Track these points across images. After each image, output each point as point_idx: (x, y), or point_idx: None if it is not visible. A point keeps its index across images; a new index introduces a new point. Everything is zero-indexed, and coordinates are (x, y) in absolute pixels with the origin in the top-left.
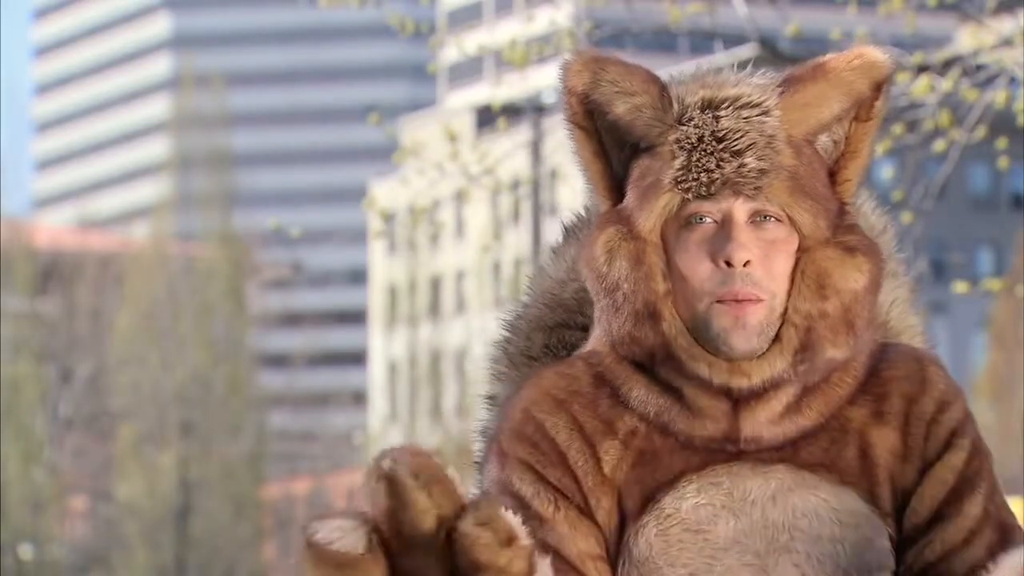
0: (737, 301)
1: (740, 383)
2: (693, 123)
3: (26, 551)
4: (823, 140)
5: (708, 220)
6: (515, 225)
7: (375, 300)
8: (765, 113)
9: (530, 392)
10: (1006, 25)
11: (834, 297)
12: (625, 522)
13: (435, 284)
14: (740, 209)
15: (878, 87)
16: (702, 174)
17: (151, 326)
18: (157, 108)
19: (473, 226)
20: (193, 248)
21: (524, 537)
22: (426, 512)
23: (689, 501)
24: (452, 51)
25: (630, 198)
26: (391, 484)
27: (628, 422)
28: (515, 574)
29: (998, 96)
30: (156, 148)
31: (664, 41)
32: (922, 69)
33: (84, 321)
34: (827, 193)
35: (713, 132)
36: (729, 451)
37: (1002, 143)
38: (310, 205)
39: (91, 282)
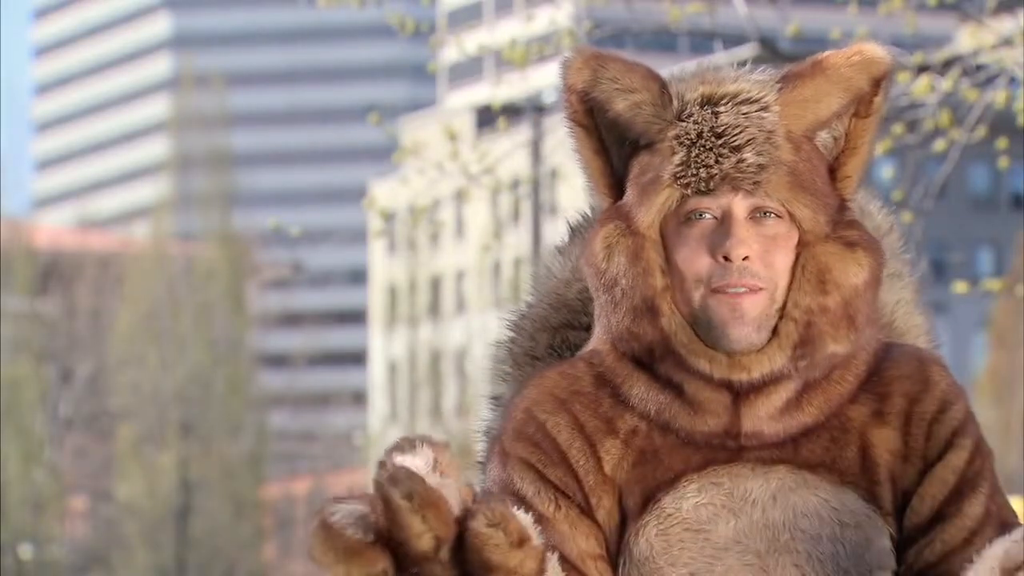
0: (735, 293)
1: (740, 376)
2: (692, 119)
3: (26, 551)
4: (823, 136)
5: (708, 216)
6: (515, 225)
7: (375, 300)
8: (764, 109)
9: (532, 392)
10: (1006, 25)
11: (834, 292)
12: (626, 521)
13: (435, 284)
14: (739, 205)
15: (877, 83)
16: (701, 170)
17: (151, 326)
18: (157, 108)
19: (473, 226)
20: (193, 248)
21: (536, 537)
22: (420, 536)
23: (690, 501)
24: (452, 51)
25: (630, 194)
26: (386, 505)
27: (629, 421)
28: (526, 575)
29: (998, 96)
30: (156, 148)
31: (664, 41)
32: (922, 69)
33: (84, 321)
34: (827, 189)
35: (712, 128)
36: (730, 447)
37: (1002, 143)
38: (310, 205)
39: (91, 282)
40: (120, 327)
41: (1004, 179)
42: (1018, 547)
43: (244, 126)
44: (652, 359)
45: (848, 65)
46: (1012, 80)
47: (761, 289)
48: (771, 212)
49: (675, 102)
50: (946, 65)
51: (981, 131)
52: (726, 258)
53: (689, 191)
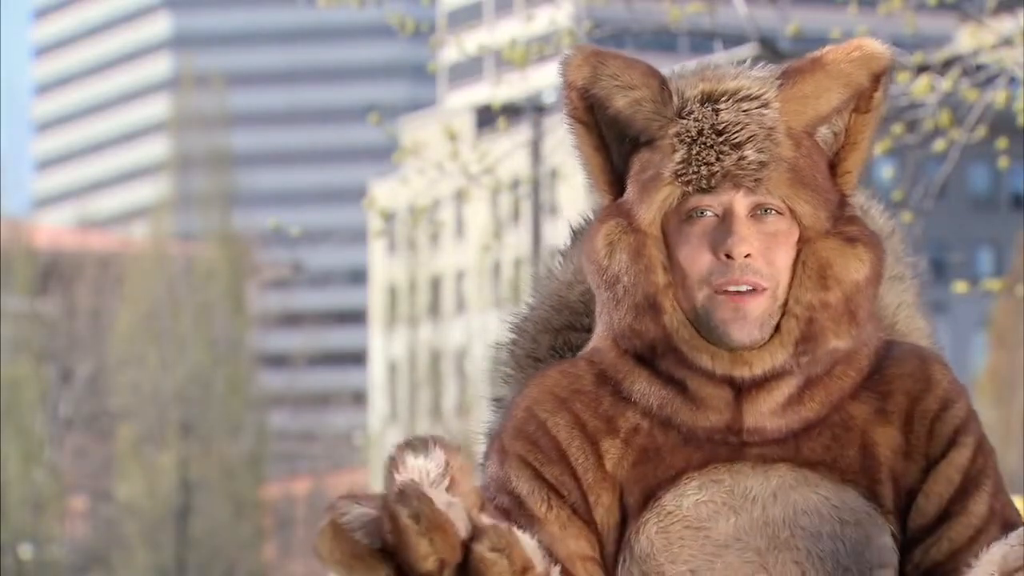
0: (738, 293)
1: (742, 372)
2: (693, 116)
3: (26, 551)
4: (823, 132)
5: (709, 214)
6: (515, 225)
7: (375, 300)
8: (764, 106)
9: (533, 391)
10: (1006, 25)
11: (836, 287)
12: (626, 519)
13: (435, 284)
14: (741, 203)
15: (877, 78)
16: (702, 167)
17: (151, 326)
18: (157, 108)
19: (473, 226)
20: (193, 248)
21: (540, 564)
22: (425, 558)
23: (690, 498)
24: (452, 51)
25: (630, 192)
26: (393, 522)
27: (631, 419)
28: None
29: (998, 96)
30: (156, 148)
31: (664, 41)
32: (922, 69)
33: (84, 321)
34: (827, 185)
35: (713, 125)
36: (732, 444)
37: (1002, 143)
38: (310, 205)
39: (91, 282)
40: (120, 327)
41: (1004, 179)
42: (1016, 551)
43: (244, 126)
44: (654, 356)
45: (848, 60)
46: (1012, 80)
47: (764, 288)
48: (772, 209)
49: (675, 99)
50: (946, 65)
51: (981, 131)
52: (728, 256)
53: (690, 188)
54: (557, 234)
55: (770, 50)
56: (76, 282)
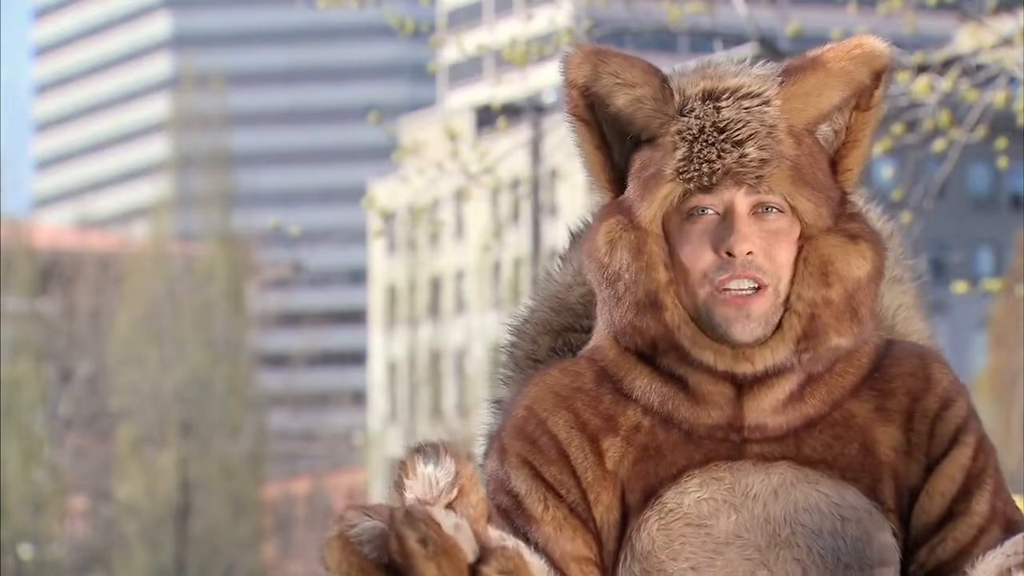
0: (740, 293)
1: (744, 369)
2: (694, 114)
3: (26, 551)
4: (823, 130)
5: (710, 212)
6: (515, 225)
7: (375, 300)
8: (766, 103)
9: (533, 390)
10: (1006, 25)
11: (837, 284)
12: (627, 517)
13: (435, 284)
14: (742, 201)
15: (878, 76)
16: (703, 164)
17: (151, 326)
18: (157, 108)
19: (473, 226)
20: (193, 248)
21: None
22: None
23: (691, 496)
24: (452, 51)
25: (631, 189)
26: (401, 545)
27: (631, 417)
28: None
29: (998, 96)
30: (156, 148)
31: (664, 41)
32: (922, 69)
33: (84, 321)
34: (828, 182)
35: (714, 123)
36: (733, 441)
37: (1002, 143)
38: (310, 205)
39: (91, 282)
40: (120, 327)
41: (1004, 179)
42: (1012, 560)
43: (244, 126)
44: (655, 353)
45: (849, 58)
46: (1012, 80)
47: (765, 285)
48: (773, 207)
49: (676, 97)
50: (946, 65)
51: (981, 131)
52: (729, 254)
53: (691, 186)
54: (557, 234)
55: (770, 50)
56: (76, 282)
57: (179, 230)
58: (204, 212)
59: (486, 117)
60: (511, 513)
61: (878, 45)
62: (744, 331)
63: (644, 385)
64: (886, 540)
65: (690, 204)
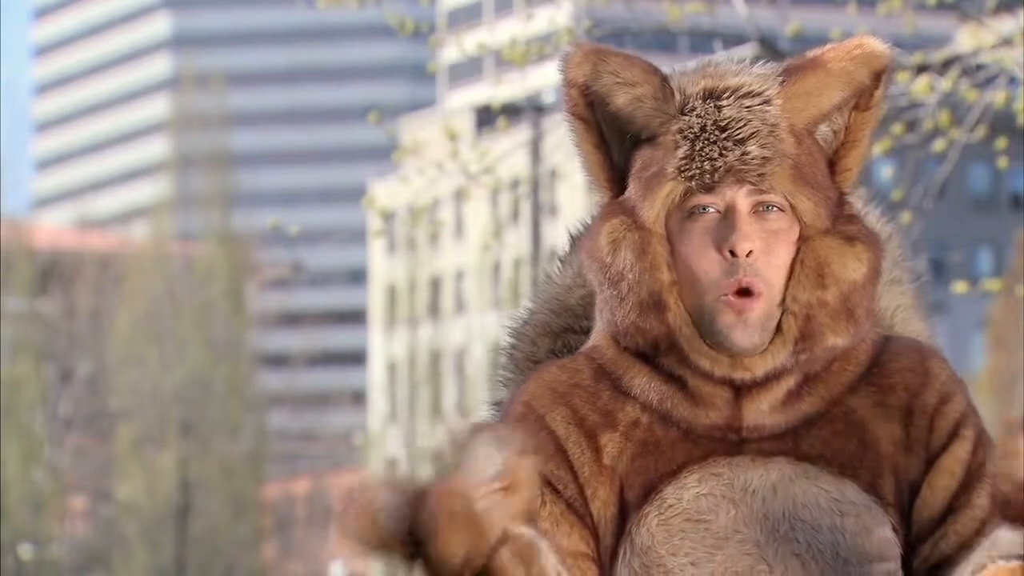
0: (741, 295)
1: (743, 376)
2: (695, 113)
3: (26, 551)
4: (823, 130)
5: (711, 210)
6: (515, 225)
7: (375, 300)
8: (767, 102)
9: (531, 386)
10: (1006, 25)
11: (833, 286)
12: (627, 512)
13: (435, 284)
14: (743, 200)
15: (878, 76)
16: (705, 162)
17: (151, 326)
18: (157, 108)
19: (473, 226)
20: (193, 248)
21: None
22: (455, 554)
23: (690, 491)
24: (452, 50)
25: (632, 189)
26: (430, 514)
27: (630, 413)
28: None
29: (998, 96)
30: (156, 148)
31: (664, 41)
32: (922, 69)
33: (84, 321)
34: (827, 182)
35: (716, 121)
36: (731, 440)
37: (1002, 143)
38: (310, 205)
39: (91, 282)
40: (120, 327)
41: (1004, 179)
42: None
43: (244, 126)
44: (656, 353)
45: (849, 59)
46: (1012, 80)
47: (760, 292)
48: (774, 206)
49: (677, 96)
50: (946, 65)
51: (981, 131)
52: (731, 252)
53: (693, 184)
54: (557, 234)
55: (770, 50)
56: (76, 282)
57: (179, 230)
58: (204, 212)
59: (486, 117)
60: None
61: (878, 46)
62: (743, 337)
63: (643, 383)
64: (886, 535)
65: (691, 203)
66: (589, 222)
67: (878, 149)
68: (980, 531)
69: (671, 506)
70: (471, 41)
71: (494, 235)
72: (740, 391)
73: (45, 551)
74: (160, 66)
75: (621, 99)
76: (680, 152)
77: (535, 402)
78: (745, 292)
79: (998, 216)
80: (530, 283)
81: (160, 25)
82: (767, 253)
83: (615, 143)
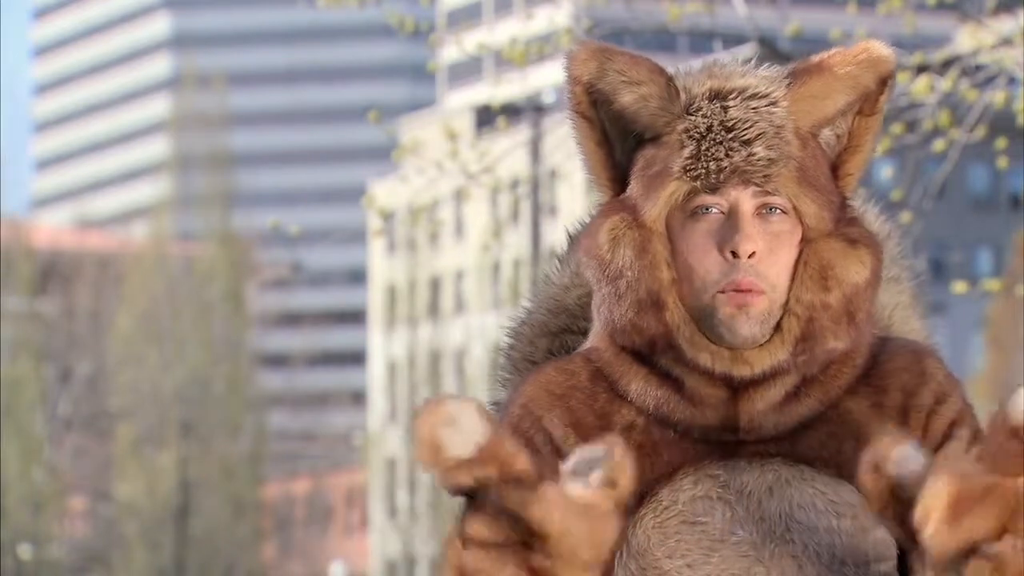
0: (739, 291)
1: (742, 372)
2: (701, 113)
3: (26, 551)
4: (826, 133)
5: (714, 211)
6: (515, 225)
7: (375, 300)
8: (773, 104)
9: (529, 388)
10: (1006, 25)
11: (836, 289)
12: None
13: (435, 284)
14: (747, 201)
15: (883, 81)
16: (711, 163)
17: (151, 326)
18: (157, 108)
19: (473, 226)
20: (193, 248)
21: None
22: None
23: (686, 493)
24: (452, 50)
25: (634, 187)
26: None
27: (626, 415)
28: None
29: (998, 96)
30: (156, 148)
31: (663, 41)
32: (922, 69)
33: (84, 321)
34: (831, 186)
35: (722, 122)
36: (728, 441)
37: (1002, 143)
38: (310, 205)
39: (90, 282)
40: (120, 327)
41: (1003, 179)
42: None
43: (244, 126)
44: (653, 352)
45: (855, 63)
46: (1012, 80)
47: (762, 292)
48: (777, 208)
49: (682, 96)
50: (945, 65)
51: (981, 131)
52: (734, 253)
53: (698, 184)
54: (557, 234)
55: (770, 50)
56: (75, 282)
57: (179, 230)
58: (204, 212)
59: (486, 117)
60: None
61: (884, 51)
62: (744, 327)
63: (639, 387)
64: (882, 536)
65: (694, 203)
66: (589, 218)
67: (878, 149)
68: None
69: (667, 508)
70: (471, 41)
71: (494, 235)
72: (737, 391)
73: (45, 551)
74: (160, 66)
75: (626, 98)
76: (686, 152)
77: (532, 404)
78: (745, 290)
79: (998, 216)
80: (530, 283)
81: (160, 25)
82: (770, 255)
83: (618, 142)
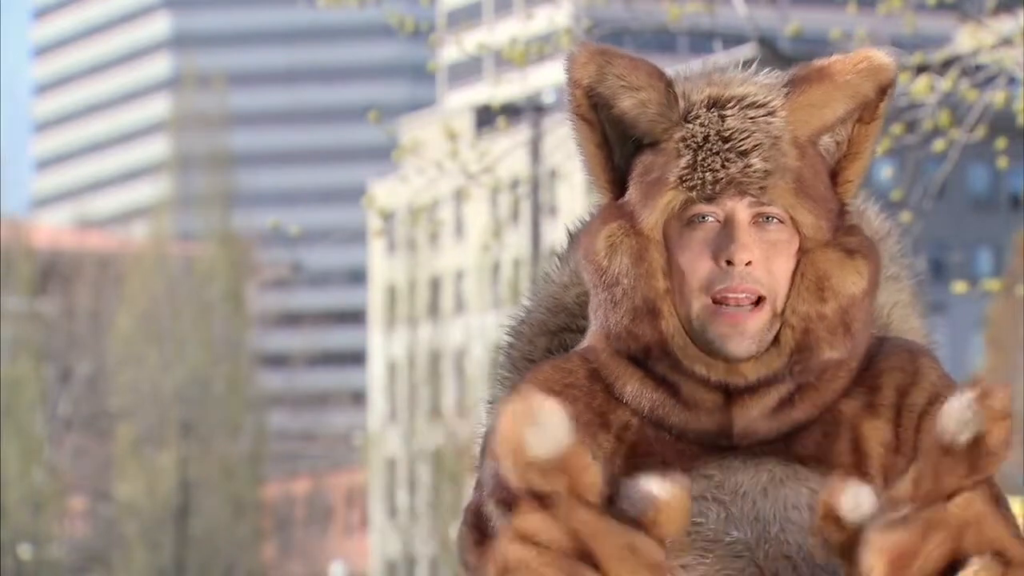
0: (738, 310)
1: (737, 381)
2: (699, 121)
3: (26, 551)
4: (825, 141)
5: (711, 219)
6: (515, 225)
7: (375, 300)
8: (771, 113)
9: (527, 387)
10: (1006, 25)
11: (832, 300)
12: None
13: (435, 284)
14: (744, 210)
15: (883, 90)
16: (707, 173)
17: (151, 326)
18: (157, 108)
19: (473, 226)
20: (193, 248)
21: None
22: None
23: None
24: (452, 50)
25: (632, 193)
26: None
27: (622, 416)
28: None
29: (997, 96)
30: (156, 148)
31: (663, 41)
32: (922, 69)
33: (84, 321)
34: (829, 194)
35: (719, 132)
36: (722, 445)
37: (1002, 143)
38: (310, 205)
39: (90, 282)
40: (120, 327)
41: (1003, 179)
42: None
43: (244, 126)
44: (648, 359)
45: (855, 71)
46: (1011, 80)
47: (762, 298)
48: (774, 218)
49: (681, 102)
50: (945, 65)
51: (980, 131)
52: (729, 262)
53: (694, 194)
54: (556, 234)
55: (770, 50)
56: (75, 282)
57: (179, 230)
58: (204, 212)
59: (486, 117)
60: (508, 507)
61: (884, 59)
62: (739, 348)
63: (634, 390)
64: None
65: (691, 211)
66: (588, 218)
67: (878, 149)
68: None
69: None
70: (471, 41)
71: (494, 235)
72: (732, 397)
73: (45, 551)
74: (160, 66)
75: (625, 103)
76: (682, 161)
77: None
78: (741, 300)
79: (997, 216)
80: (529, 283)
81: (160, 25)
82: (766, 264)
83: (617, 145)
